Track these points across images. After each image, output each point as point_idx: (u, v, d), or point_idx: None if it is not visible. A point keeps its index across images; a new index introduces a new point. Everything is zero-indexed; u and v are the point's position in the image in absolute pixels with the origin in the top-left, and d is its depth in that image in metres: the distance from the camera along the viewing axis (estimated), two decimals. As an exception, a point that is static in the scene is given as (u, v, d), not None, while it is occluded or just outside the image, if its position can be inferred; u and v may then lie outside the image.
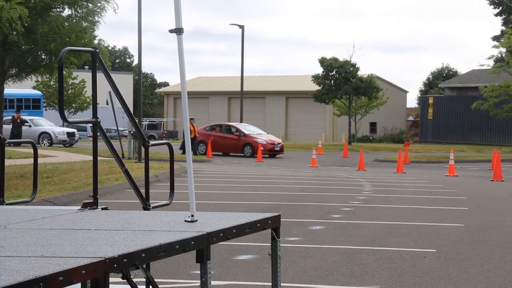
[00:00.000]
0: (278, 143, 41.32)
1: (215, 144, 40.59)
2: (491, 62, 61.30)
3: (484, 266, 9.72)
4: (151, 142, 6.44)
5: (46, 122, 49.74)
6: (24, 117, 49.03)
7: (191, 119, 41.75)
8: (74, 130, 49.36)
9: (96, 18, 23.47)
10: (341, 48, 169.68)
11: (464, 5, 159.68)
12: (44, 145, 45.94)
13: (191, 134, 38.41)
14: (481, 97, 48.91)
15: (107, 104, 33.02)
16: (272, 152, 40.36)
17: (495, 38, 74.82)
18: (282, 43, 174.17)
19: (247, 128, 43.03)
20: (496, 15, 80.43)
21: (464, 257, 10.38)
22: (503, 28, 70.50)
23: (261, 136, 41.59)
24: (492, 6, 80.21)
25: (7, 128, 45.09)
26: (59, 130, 47.55)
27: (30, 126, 46.53)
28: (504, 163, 33.33)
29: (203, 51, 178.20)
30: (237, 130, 41.77)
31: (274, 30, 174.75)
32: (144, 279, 5.51)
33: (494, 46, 50.07)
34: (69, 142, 47.28)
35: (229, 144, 41.14)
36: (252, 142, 40.41)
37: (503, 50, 51.66)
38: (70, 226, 5.12)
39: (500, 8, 79.25)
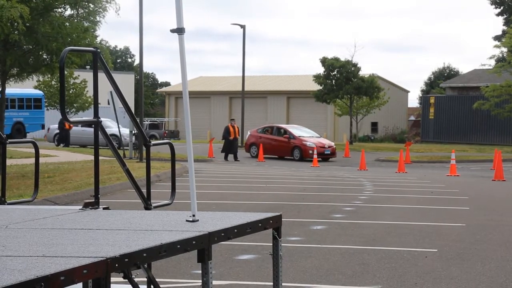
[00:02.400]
0: (329, 146, 39.07)
1: (265, 147, 39.24)
2: (493, 62, 61.22)
3: (485, 266, 9.72)
4: (153, 142, 6.44)
5: (113, 124, 47.87)
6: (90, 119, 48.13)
7: (231, 119, 40.49)
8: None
9: (98, 18, 23.47)
10: (343, 48, 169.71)
11: (466, 4, 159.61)
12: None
13: (230, 136, 37.44)
14: (482, 97, 48.89)
15: (109, 104, 33.00)
16: (321, 156, 37.92)
17: (497, 38, 74.76)
18: (283, 42, 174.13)
19: (298, 130, 40.89)
20: (498, 14, 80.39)
21: (466, 256, 10.38)
22: (505, 27, 70.42)
23: (311, 138, 39.37)
24: (493, 6, 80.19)
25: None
26: (127, 132, 46.30)
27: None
28: (506, 163, 33.31)
29: (204, 51, 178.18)
30: (287, 132, 39.77)
31: (276, 30, 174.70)
32: (145, 279, 5.51)
33: (496, 46, 50.01)
34: (138, 145, 46.00)
35: (279, 147, 39.35)
36: (301, 145, 38.44)
37: (505, 50, 51.62)
38: (71, 226, 5.12)
39: (502, 8, 79.20)
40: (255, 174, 26.92)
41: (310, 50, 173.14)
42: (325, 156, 38.46)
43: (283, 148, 38.87)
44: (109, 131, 44.66)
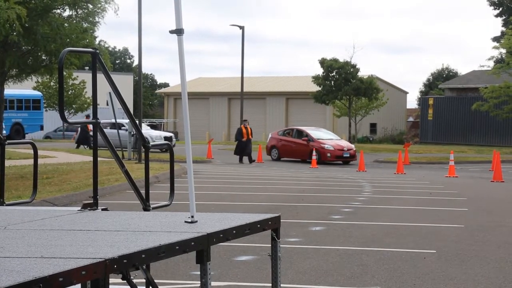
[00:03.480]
0: (349, 149, 37.58)
1: (285, 149, 38.57)
2: (491, 63, 61.36)
3: (484, 267, 9.72)
4: (151, 143, 6.44)
5: (143, 126, 47.39)
6: (120, 121, 47.37)
7: (244, 120, 39.39)
8: (172, 134, 47.01)
9: (97, 18, 23.50)
10: (342, 49, 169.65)
11: (465, 6, 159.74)
12: (141, 150, 43.23)
13: (243, 137, 36.66)
14: (481, 98, 48.94)
15: (107, 104, 33.00)
16: (340, 158, 37.09)
17: (495, 39, 74.84)
18: (282, 44, 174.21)
19: (318, 133, 39.81)
20: (496, 16, 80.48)
21: (464, 257, 10.38)
22: (503, 29, 70.51)
23: (330, 141, 38.14)
24: (492, 7, 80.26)
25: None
26: (156, 134, 45.12)
27: (126, 130, 44.94)
28: (504, 164, 33.32)
29: (203, 52, 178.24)
30: (306, 134, 38.51)
31: (275, 31, 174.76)
32: (144, 280, 5.51)
33: (494, 47, 50.10)
34: (166, 147, 44.97)
35: (298, 150, 38.08)
36: (319, 147, 37.12)
37: (503, 51, 51.66)
38: (70, 227, 5.12)
39: (500, 9, 79.28)
40: (255, 175, 26.92)
41: (309, 51, 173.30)
42: (345, 159, 37.11)
43: (302, 151, 37.63)
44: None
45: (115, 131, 43.60)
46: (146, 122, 67.86)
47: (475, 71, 66.13)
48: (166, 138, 45.07)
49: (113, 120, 47.07)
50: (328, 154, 36.84)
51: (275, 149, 39.28)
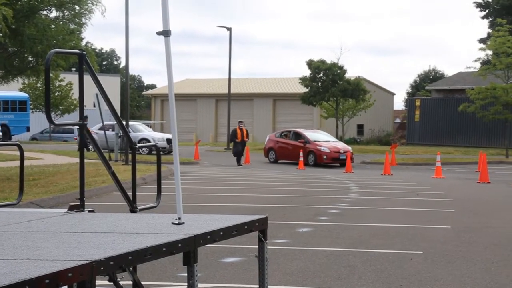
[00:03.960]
0: (345, 151, 36.66)
1: (282, 152, 37.98)
2: (478, 65, 61.49)
3: (470, 268, 9.75)
4: (138, 145, 6.43)
5: (145, 128, 46.28)
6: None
7: (239, 122, 38.31)
8: None
9: (83, 20, 23.44)
10: (329, 51, 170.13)
11: (451, 8, 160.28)
12: (143, 152, 41.64)
13: (238, 139, 36.07)
14: (467, 100, 49.08)
15: (94, 106, 32.92)
16: (337, 160, 36.40)
17: (482, 41, 75.11)
18: (269, 45, 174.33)
19: (315, 135, 39.31)
20: (483, 17, 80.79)
21: (451, 259, 10.41)
22: (490, 30, 70.81)
23: (326, 143, 37.50)
24: (478, 9, 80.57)
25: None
26: (158, 136, 44.59)
27: (128, 131, 44.46)
28: (491, 165, 33.45)
29: (191, 53, 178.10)
30: (303, 136, 37.97)
31: (262, 33, 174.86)
32: (131, 282, 5.50)
33: (481, 49, 50.27)
34: (168, 150, 43.65)
35: (294, 152, 37.08)
36: (315, 150, 36.71)
37: (490, 52, 51.83)
38: (56, 229, 5.10)
39: (487, 11, 79.61)
40: (242, 177, 26.91)
41: (296, 53, 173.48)
42: (341, 161, 36.08)
43: (299, 153, 36.47)
44: (140, 135, 43.84)
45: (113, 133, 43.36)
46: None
47: (461, 72, 66.36)
48: (169, 140, 44.39)
49: (114, 122, 46.72)
50: (324, 156, 36.41)
51: (272, 151, 38.84)
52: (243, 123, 38.30)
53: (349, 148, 38.10)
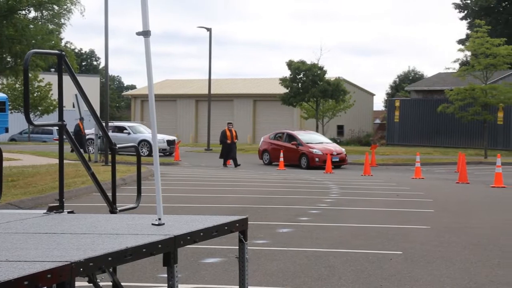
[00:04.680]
0: (338, 153, 36.36)
1: (276, 154, 36.98)
2: (457, 66, 61.82)
3: (449, 268, 9.80)
4: (118, 145, 6.41)
5: (146, 129, 45.65)
6: (121, 124, 45.71)
7: (228, 123, 37.81)
8: (175, 137, 46.08)
9: (62, 20, 23.36)
10: (309, 51, 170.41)
11: (431, 9, 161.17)
12: (143, 153, 41.82)
13: (227, 140, 35.68)
14: (446, 100, 49.32)
15: (74, 107, 32.74)
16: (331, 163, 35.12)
17: (461, 42, 75.60)
18: (250, 46, 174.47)
19: (308, 136, 38.66)
20: (462, 19, 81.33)
21: (430, 259, 10.46)
22: (468, 31, 71.27)
23: (319, 145, 36.84)
24: (457, 10, 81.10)
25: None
26: (159, 138, 43.15)
27: (129, 133, 43.23)
28: (469, 166, 33.67)
29: (172, 54, 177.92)
30: (296, 138, 37.36)
31: (243, 33, 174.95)
32: (110, 283, 5.48)
33: (460, 50, 50.47)
34: (169, 151, 43.64)
35: (287, 155, 36.38)
36: (307, 152, 36.10)
37: (468, 53, 52.15)
38: (35, 230, 5.07)
39: (465, 12, 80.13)
40: (223, 177, 26.89)
41: (277, 54, 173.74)
42: (334, 163, 35.24)
43: (292, 156, 36.32)
44: (140, 136, 43.38)
45: (119, 134, 42.96)
46: (113, 124, 67.26)
47: (441, 73, 66.69)
48: (169, 142, 44.21)
49: (116, 123, 46.24)
50: (317, 159, 35.77)
51: (267, 153, 38.22)
52: (232, 124, 37.84)
53: (342, 149, 37.50)
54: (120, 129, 43.94)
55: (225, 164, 36.04)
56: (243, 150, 49.72)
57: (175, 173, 28.90)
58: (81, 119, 39.48)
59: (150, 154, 42.14)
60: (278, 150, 37.22)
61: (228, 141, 35.88)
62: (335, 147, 37.47)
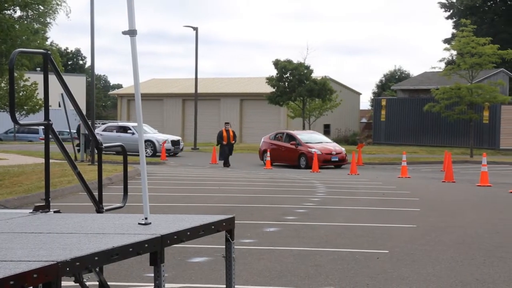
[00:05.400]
0: (337, 153, 35.77)
1: (276, 154, 36.44)
2: (443, 65, 62.15)
3: (435, 267, 9.84)
4: (104, 145, 6.39)
5: (150, 129, 45.46)
6: (125, 124, 45.45)
7: (226, 123, 36.90)
8: (179, 138, 45.65)
9: (48, 19, 23.25)
10: (296, 51, 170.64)
11: (416, 8, 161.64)
12: (147, 154, 41.64)
13: (224, 140, 34.86)
14: (432, 99, 49.50)
15: (60, 106, 32.63)
16: (330, 163, 35.33)
17: (446, 41, 75.85)
18: (237, 45, 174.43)
19: (308, 136, 38.06)
20: (447, 18, 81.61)
21: (416, 257, 10.49)
22: (454, 31, 71.51)
23: (318, 145, 36.10)
24: (443, 9, 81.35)
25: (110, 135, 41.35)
26: (162, 138, 43.78)
27: (133, 133, 42.56)
28: (455, 165, 33.80)
29: (159, 53, 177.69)
30: (295, 138, 36.71)
31: (229, 33, 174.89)
32: (97, 283, 5.47)
33: (445, 49, 50.62)
34: (173, 151, 43.10)
35: (286, 155, 36.11)
36: (306, 152, 35.42)
37: (454, 52, 52.37)
38: (21, 230, 5.06)
39: (451, 11, 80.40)
40: (209, 177, 26.87)
41: (263, 53, 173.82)
42: (334, 163, 35.17)
43: (291, 156, 35.74)
44: (145, 136, 42.73)
45: (123, 134, 42.76)
46: (99, 123, 67.12)
47: (426, 72, 66.88)
48: (173, 142, 43.75)
49: (121, 123, 45.97)
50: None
51: (267, 153, 37.05)
52: (230, 124, 37.10)
53: (341, 149, 36.86)
54: (125, 129, 43.73)
55: (225, 165, 35.22)
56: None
57: (162, 172, 28.85)
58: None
59: (154, 155, 42.30)
60: (278, 150, 36.74)
61: (224, 142, 35.08)
62: (334, 147, 36.76)
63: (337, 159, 35.49)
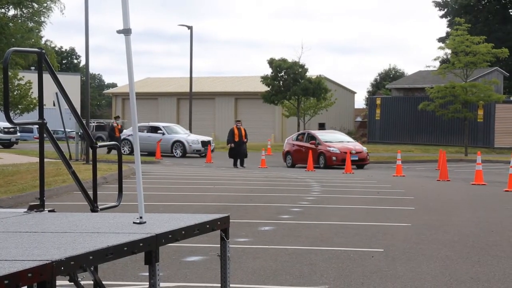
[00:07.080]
0: (357, 152, 34.74)
1: (297, 155, 35.79)
2: (437, 64, 62.16)
3: (430, 265, 9.85)
4: (99, 144, 6.38)
5: (181, 130, 45.00)
6: (156, 124, 45.17)
7: (237, 121, 36.24)
8: (210, 138, 45.09)
9: (42, 18, 23.21)
10: (291, 50, 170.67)
11: (411, 7, 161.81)
12: (176, 155, 41.96)
13: (235, 139, 33.89)
14: (427, 98, 49.57)
15: (54, 105, 32.57)
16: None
17: (441, 40, 75.96)
18: (231, 44, 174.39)
19: (329, 136, 37.05)
20: (442, 17, 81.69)
21: (411, 256, 10.50)
22: (448, 29, 71.62)
23: (338, 144, 35.21)
24: (437, 8, 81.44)
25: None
26: (193, 139, 43.40)
27: (163, 133, 42.72)
28: (450, 163, 33.83)
29: (154, 52, 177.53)
30: (315, 138, 35.73)
31: (224, 32, 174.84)
32: (92, 282, 5.46)
33: (440, 48, 50.74)
34: (203, 152, 42.24)
35: (307, 155, 34.01)
36: (325, 151, 34.64)
37: (449, 51, 52.41)
38: (16, 229, 5.05)
39: (445, 10, 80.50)
40: (204, 176, 26.86)
41: (258, 52, 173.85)
42: (354, 162, 33.47)
43: (311, 156, 33.82)
44: (174, 137, 42.91)
45: (153, 135, 42.59)
46: (93, 122, 67.03)
47: (421, 71, 66.96)
48: (204, 143, 43.26)
49: (151, 124, 45.75)
50: (334, 158, 34.51)
51: (289, 155, 36.66)
52: (241, 122, 36.23)
53: (362, 148, 35.96)
54: (155, 129, 43.59)
55: (235, 165, 34.47)
56: (225, 148, 49.65)
57: (157, 171, 28.83)
58: (117, 117, 39.13)
59: (184, 155, 42.16)
60: (299, 151, 35.99)
61: (236, 140, 33.90)
62: (354, 146, 35.85)
63: (356, 158, 34.35)
